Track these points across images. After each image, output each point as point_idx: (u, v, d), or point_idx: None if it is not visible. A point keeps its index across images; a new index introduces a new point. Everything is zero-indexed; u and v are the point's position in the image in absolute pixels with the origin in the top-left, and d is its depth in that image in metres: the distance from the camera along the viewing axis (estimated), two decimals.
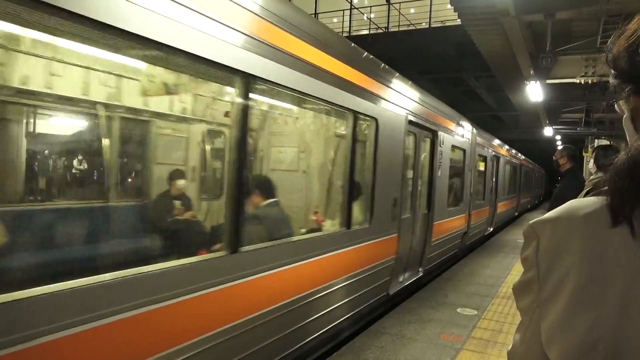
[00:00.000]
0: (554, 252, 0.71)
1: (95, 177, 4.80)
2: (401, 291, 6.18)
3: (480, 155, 11.05)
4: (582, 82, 9.55)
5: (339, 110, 4.40)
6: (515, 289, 0.80)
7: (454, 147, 8.31)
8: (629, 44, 0.68)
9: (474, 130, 10.21)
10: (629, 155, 0.66)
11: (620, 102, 0.73)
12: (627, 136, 0.75)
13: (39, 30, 2.68)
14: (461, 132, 8.89)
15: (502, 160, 14.47)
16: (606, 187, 0.69)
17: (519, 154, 20.17)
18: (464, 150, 9.32)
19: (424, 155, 6.98)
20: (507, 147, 16.24)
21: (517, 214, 19.88)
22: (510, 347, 0.79)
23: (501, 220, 15.62)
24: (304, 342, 3.83)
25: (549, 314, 0.69)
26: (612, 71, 0.72)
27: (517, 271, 8.49)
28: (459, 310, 5.89)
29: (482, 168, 11.61)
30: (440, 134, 7.24)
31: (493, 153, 12.84)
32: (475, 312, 5.81)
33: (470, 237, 10.57)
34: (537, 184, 30.27)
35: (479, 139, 10.74)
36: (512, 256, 10.14)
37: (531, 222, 0.77)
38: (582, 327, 0.65)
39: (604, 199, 0.70)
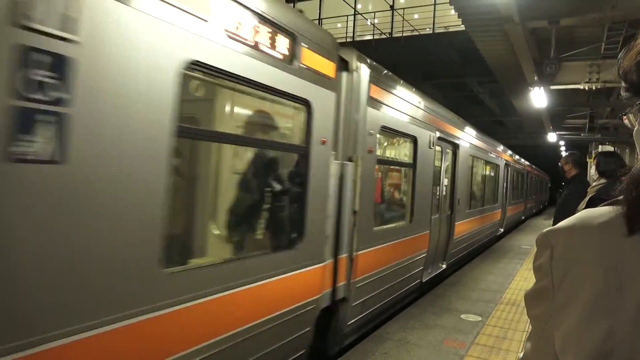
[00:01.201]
0: (568, 261, 0.71)
1: None
2: None
3: (390, 131, 5.41)
4: (586, 88, 9.56)
5: None
6: (528, 297, 0.79)
7: (206, 84, 3.23)
8: None
9: (359, 62, 4.32)
10: None
11: (630, 115, 0.74)
12: (638, 148, 0.76)
13: None
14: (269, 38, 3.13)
15: (463, 152, 8.79)
16: (621, 197, 0.70)
17: (502, 148, 14.47)
18: (307, 104, 3.58)
19: None
20: (476, 132, 10.28)
21: (502, 230, 14.44)
22: (521, 355, 0.80)
23: (471, 245, 10.12)
24: None
25: (563, 323, 0.70)
26: (623, 84, 0.73)
27: (521, 277, 8.45)
28: (462, 316, 5.86)
29: (406, 159, 6.33)
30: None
31: (438, 134, 7.04)
32: (480, 318, 5.78)
33: (366, 307, 4.83)
34: (535, 190, 26.01)
35: (379, 87, 4.88)
36: (516, 262, 10.10)
37: (545, 230, 0.77)
38: (597, 335, 0.65)
39: (619, 209, 0.70)
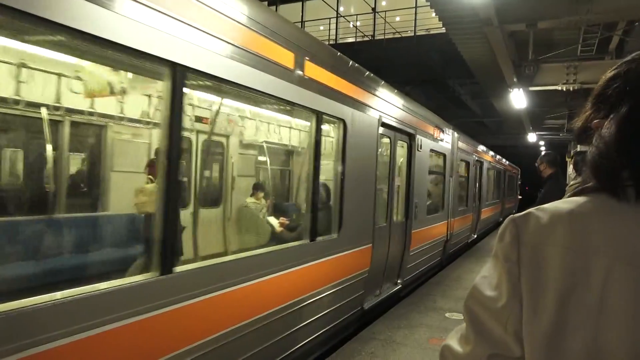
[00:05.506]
0: (536, 243, 0.74)
1: None
2: None
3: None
4: (564, 89, 9.76)
5: None
6: (482, 285, 0.79)
7: None
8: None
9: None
10: (594, 148, 0.76)
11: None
12: None
13: None
14: None
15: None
16: (590, 184, 0.76)
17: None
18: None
19: None
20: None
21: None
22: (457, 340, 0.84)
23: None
24: None
25: (538, 308, 0.71)
26: (576, 139, 0.89)
27: None
28: (447, 314, 5.94)
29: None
30: None
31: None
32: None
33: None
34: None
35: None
36: None
37: (512, 215, 0.79)
38: (566, 319, 0.68)
39: (583, 198, 0.75)
